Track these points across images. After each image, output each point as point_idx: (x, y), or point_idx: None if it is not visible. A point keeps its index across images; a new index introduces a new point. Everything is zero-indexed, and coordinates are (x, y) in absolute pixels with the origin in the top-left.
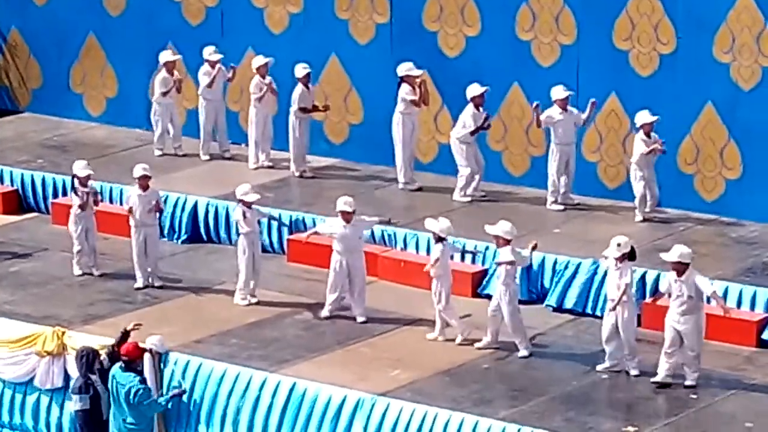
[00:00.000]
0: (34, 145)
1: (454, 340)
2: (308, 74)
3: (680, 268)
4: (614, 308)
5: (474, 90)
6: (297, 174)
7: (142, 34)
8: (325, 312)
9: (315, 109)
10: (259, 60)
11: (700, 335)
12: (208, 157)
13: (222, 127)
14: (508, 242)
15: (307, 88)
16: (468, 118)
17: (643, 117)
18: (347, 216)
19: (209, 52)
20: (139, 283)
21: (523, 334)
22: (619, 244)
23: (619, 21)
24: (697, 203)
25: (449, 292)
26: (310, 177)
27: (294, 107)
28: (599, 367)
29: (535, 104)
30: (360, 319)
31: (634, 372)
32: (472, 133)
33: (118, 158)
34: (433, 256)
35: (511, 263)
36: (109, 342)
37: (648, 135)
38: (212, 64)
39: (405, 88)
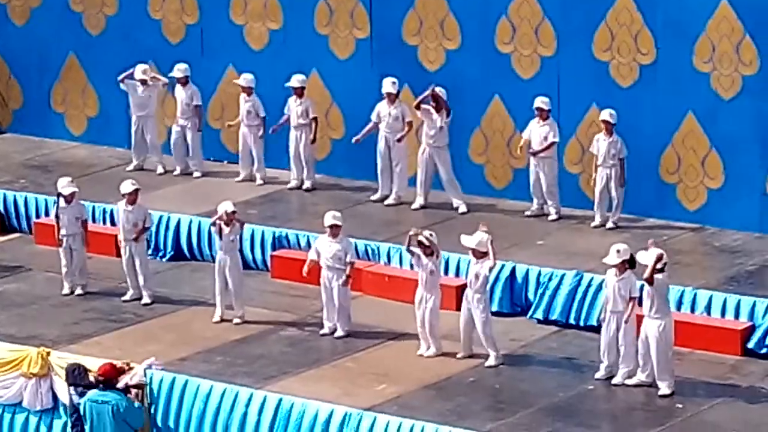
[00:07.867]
0: (16, 166)
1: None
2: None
3: None
4: (627, 321)
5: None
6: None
7: (122, 53)
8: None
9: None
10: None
11: None
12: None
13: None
14: (484, 255)
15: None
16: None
17: (608, 115)
18: (336, 231)
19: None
20: (127, 296)
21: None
22: (618, 251)
23: (598, 32)
24: (680, 213)
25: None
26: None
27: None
28: (597, 375)
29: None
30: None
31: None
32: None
33: (101, 177)
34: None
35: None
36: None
37: (610, 134)
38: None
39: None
